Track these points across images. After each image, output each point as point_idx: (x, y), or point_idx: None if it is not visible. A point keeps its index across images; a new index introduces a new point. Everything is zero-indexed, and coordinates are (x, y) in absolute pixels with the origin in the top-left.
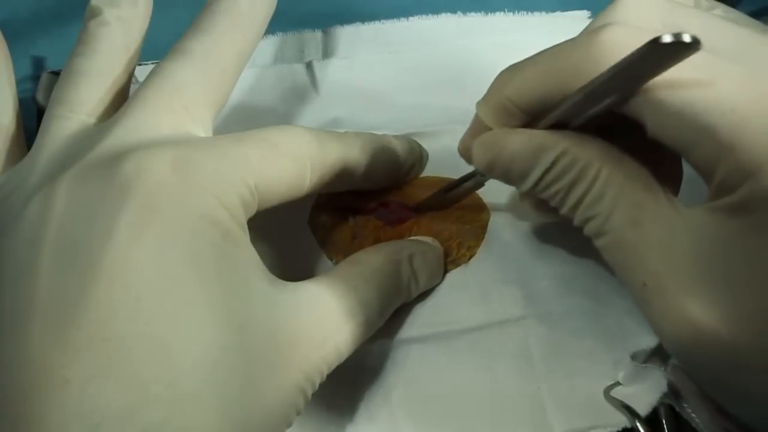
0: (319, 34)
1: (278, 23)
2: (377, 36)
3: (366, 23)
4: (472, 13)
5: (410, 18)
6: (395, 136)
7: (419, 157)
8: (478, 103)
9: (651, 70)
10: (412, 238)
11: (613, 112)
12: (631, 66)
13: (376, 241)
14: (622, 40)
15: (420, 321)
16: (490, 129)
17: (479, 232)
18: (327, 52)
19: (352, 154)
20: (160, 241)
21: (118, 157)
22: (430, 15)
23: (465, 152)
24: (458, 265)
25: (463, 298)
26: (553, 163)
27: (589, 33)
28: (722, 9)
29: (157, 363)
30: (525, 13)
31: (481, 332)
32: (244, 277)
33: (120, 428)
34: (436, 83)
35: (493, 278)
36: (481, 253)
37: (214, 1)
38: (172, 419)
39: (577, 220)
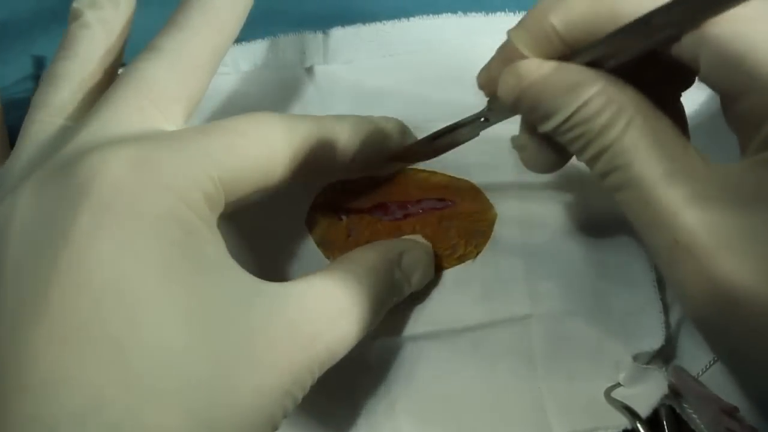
0: (320, 35)
1: (278, 23)
2: (378, 37)
3: (367, 24)
4: (473, 14)
5: (411, 18)
6: (383, 119)
7: (404, 138)
8: (512, 30)
9: (724, 1)
10: (404, 237)
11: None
12: None
13: (373, 235)
14: None
15: (423, 319)
16: (520, 58)
17: (486, 230)
18: (328, 54)
19: (329, 137)
20: (118, 242)
21: (77, 158)
22: (430, 15)
23: (486, 82)
24: (464, 261)
25: (466, 296)
26: (587, 102)
27: None
28: None
29: (113, 365)
30: (526, 13)
31: (484, 331)
32: (211, 276)
33: (76, 431)
34: (437, 83)
35: (497, 277)
36: (487, 251)
37: None
38: (130, 421)
39: (597, 169)
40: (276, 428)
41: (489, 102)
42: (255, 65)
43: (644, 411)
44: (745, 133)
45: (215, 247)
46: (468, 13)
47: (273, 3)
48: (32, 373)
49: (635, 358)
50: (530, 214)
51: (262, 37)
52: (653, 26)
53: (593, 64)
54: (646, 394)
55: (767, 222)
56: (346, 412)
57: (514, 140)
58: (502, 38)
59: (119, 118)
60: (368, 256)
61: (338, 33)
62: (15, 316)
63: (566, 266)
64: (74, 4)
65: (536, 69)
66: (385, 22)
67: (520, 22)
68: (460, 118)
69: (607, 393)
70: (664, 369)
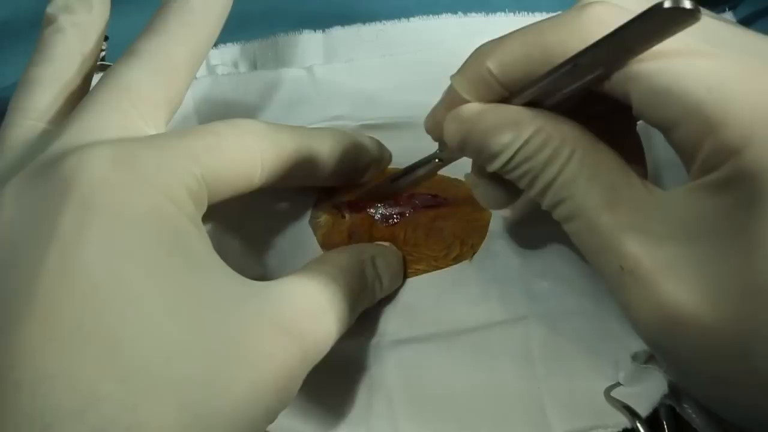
0: (319, 35)
1: (279, 23)
2: (378, 37)
3: (367, 24)
4: (473, 14)
5: (411, 19)
6: (359, 135)
7: (378, 155)
8: (454, 76)
9: (644, 40)
10: (376, 243)
11: (584, 95)
12: (625, 35)
13: (372, 239)
14: (608, 17)
15: (421, 320)
16: (463, 101)
17: (481, 230)
18: (328, 54)
19: (309, 147)
20: (104, 239)
21: (61, 157)
22: (430, 15)
23: (433, 127)
24: (461, 261)
25: (464, 296)
26: (527, 141)
27: (575, 8)
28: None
29: (105, 361)
30: (526, 13)
31: (482, 332)
32: (200, 272)
33: (70, 428)
34: (437, 83)
35: (494, 277)
36: (482, 251)
37: (167, 1)
38: (125, 416)
39: (546, 204)
40: (271, 421)
41: (439, 145)
42: (255, 65)
43: (644, 410)
44: (684, 159)
45: (202, 243)
46: (468, 14)
47: (273, 3)
48: (25, 370)
49: (634, 357)
50: (526, 214)
51: (262, 37)
52: (581, 67)
53: (534, 104)
54: (646, 393)
55: (705, 248)
56: (346, 413)
57: (466, 178)
58: None
59: (101, 121)
60: (342, 257)
61: (338, 33)
62: (5, 314)
63: (563, 265)
64: (48, 9)
65: (476, 113)
66: (385, 22)
67: (460, 68)
68: None
69: (607, 392)
70: (663, 368)
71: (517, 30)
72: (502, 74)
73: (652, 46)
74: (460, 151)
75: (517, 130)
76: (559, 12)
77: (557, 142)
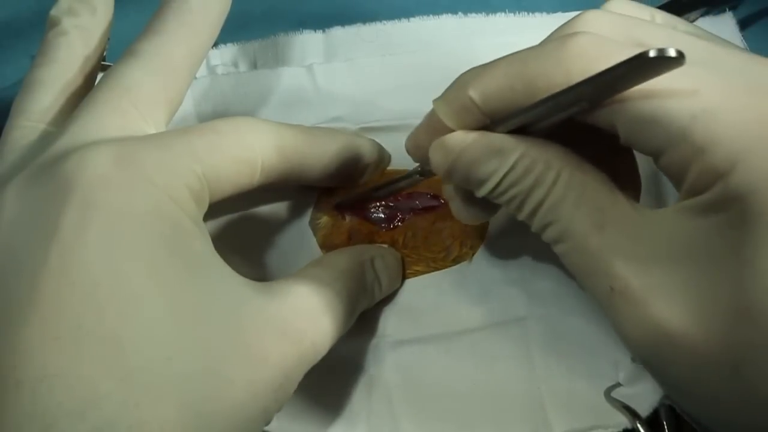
0: (319, 35)
1: (279, 24)
2: (378, 37)
3: (367, 24)
4: (473, 14)
5: (411, 19)
6: (359, 136)
7: (377, 157)
8: (436, 101)
9: (629, 82)
10: (376, 244)
11: (570, 122)
12: (611, 77)
13: (371, 241)
14: (591, 49)
15: (421, 321)
16: (445, 127)
17: (481, 231)
18: (328, 54)
19: (309, 146)
20: (105, 237)
21: (61, 157)
22: (431, 16)
23: (414, 149)
24: (460, 262)
25: (463, 297)
26: (513, 167)
27: (557, 40)
28: (681, 23)
29: (107, 360)
30: (526, 13)
31: (482, 333)
32: (200, 272)
33: (72, 427)
34: (436, 83)
35: (494, 278)
36: (482, 251)
37: (166, 2)
38: (126, 415)
39: (535, 226)
40: (268, 422)
41: (421, 163)
42: (255, 65)
43: (644, 410)
44: (674, 182)
45: (202, 243)
46: (468, 14)
47: (273, 3)
48: (26, 369)
49: (634, 357)
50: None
51: (262, 37)
52: (565, 102)
53: (517, 131)
54: (646, 393)
55: (693, 269)
56: (345, 414)
57: (443, 191)
58: (501, 39)
59: (101, 121)
60: (342, 259)
61: (338, 33)
62: (6, 313)
63: (563, 266)
64: (51, 12)
65: (461, 142)
66: (385, 22)
67: (442, 94)
68: None
69: (607, 392)
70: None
71: (501, 59)
72: (485, 104)
73: (635, 85)
74: (448, 179)
75: (502, 158)
76: (558, 13)
77: (542, 166)
